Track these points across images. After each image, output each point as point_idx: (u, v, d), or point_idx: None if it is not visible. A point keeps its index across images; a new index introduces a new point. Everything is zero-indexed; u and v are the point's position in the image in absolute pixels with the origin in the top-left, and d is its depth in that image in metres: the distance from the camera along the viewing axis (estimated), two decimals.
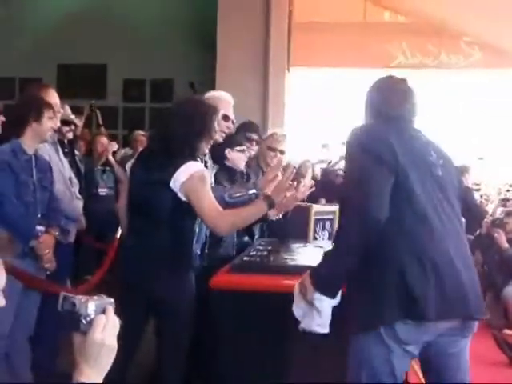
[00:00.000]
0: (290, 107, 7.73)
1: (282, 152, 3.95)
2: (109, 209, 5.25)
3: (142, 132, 6.76)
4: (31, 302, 2.89)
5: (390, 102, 2.26)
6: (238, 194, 2.90)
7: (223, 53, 7.29)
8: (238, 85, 6.98)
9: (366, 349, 2.02)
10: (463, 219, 7.12)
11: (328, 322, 2.14)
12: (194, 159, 2.56)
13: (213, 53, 7.37)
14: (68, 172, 3.37)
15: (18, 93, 8.11)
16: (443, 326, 2.01)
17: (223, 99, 3.24)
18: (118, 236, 3.66)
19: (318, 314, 2.13)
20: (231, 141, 3.25)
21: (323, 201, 6.55)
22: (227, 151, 3.22)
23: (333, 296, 2.11)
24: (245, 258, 2.93)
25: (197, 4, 8.56)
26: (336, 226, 4.06)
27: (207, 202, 2.47)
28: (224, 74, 7.20)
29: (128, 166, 2.73)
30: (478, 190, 7.61)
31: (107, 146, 5.61)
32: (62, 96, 3.37)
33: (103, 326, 1.20)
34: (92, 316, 1.21)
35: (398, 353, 1.99)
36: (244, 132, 3.58)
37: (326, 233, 4.13)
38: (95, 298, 1.24)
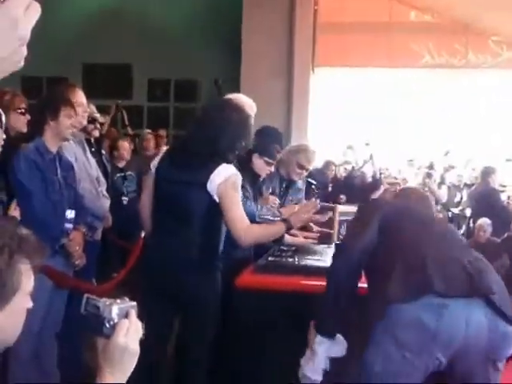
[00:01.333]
0: (314, 107, 7.71)
1: (307, 170, 3.91)
2: (133, 212, 5.28)
3: (149, 130, 6.77)
4: (60, 299, 2.92)
5: None
6: (267, 217, 3.05)
7: (248, 53, 7.30)
8: (262, 84, 6.98)
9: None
10: (489, 221, 6.95)
11: (320, 368, 2.17)
12: (231, 162, 2.59)
13: (237, 53, 7.39)
14: (95, 171, 3.38)
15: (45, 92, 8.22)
16: None
17: (248, 106, 3.12)
18: (143, 235, 3.67)
19: (312, 359, 2.17)
20: (264, 148, 3.22)
21: (344, 198, 6.54)
22: (255, 156, 3.21)
23: (328, 335, 2.17)
24: (270, 259, 2.93)
25: (222, 4, 8.59)
26: None
27: (239, 212, 2.51)
28: (249, 73, 7.21)
29: (153, 164, 2.71)
30: (503, 191, 7.48)
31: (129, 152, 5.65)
32: (87, 95, 3.38)
33: (126, 330, 1.20)
34: (116, 320, 1.20)
35: None
36: (275, 144, 3.42)
37: None
38: (118, 301, 1.23)
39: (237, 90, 7.35)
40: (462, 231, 7.84)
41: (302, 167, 3.83)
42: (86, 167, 3.28)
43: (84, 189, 3.17)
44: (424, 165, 8.12)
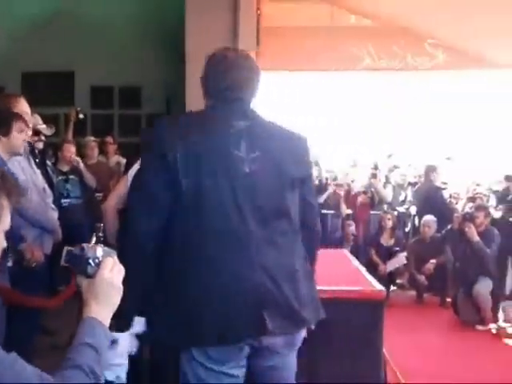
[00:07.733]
0: (259, 111, 7.74)
1: None
2: (76, 220, 5.06)
3: (92, 138, 6.69)
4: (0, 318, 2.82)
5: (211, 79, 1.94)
6: None
7: (192, 58, 7.26)
8: None
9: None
10: (434, 218, 7.13)
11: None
12: None
13: (182, 58, 7.34)
14: (42, 183, 3.30)
15: None
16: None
17: None
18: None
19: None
20: None
21: None
22: None
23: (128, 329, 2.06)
24: None
25: (165, 9, 8.52)
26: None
27: None
28: (193, 77, 7.16)
29: (130, 173, 2.69)
30: (445, 188, 7.74)
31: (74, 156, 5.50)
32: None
33: (111, 267, 1.27)
34: (100, 259, 1.27)
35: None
36: None
37: None
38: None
39: (182, 95, 7.31)
40: (407, 229, 8.06)
41: None
42: (33, 179, 3.20)
43: (32, 201, 3.09)
44: (368, 165, 8.30)
